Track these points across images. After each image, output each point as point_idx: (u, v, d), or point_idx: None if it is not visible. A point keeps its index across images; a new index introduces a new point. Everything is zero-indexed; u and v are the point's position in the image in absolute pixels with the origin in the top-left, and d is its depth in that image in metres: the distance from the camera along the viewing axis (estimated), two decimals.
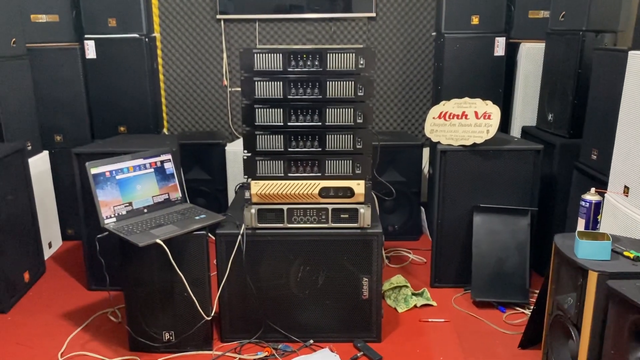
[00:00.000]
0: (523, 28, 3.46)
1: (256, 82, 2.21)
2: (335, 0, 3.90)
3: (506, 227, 2.79)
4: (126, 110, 3.53)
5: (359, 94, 2.22)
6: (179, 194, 2.50)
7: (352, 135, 2.25)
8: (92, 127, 3.55)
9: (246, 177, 2.28)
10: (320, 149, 2.27)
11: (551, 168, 2.94)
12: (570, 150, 2.85)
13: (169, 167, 2.48)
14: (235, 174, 3.64)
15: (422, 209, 3.67)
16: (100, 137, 3.51)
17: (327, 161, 2.27)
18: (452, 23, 3.39)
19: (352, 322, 2.42)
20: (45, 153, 3.39)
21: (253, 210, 2.29)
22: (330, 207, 2.29)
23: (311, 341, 2.42)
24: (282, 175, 2.28)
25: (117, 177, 2.30)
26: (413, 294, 2.80)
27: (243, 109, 2.25)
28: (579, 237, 1.90)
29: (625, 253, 1.88)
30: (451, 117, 2.82)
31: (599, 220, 2.21)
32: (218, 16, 3.96)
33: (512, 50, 3.44)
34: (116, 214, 2.28)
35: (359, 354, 2.35)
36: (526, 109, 3.41)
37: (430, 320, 2.63)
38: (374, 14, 3.95)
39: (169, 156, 2.48)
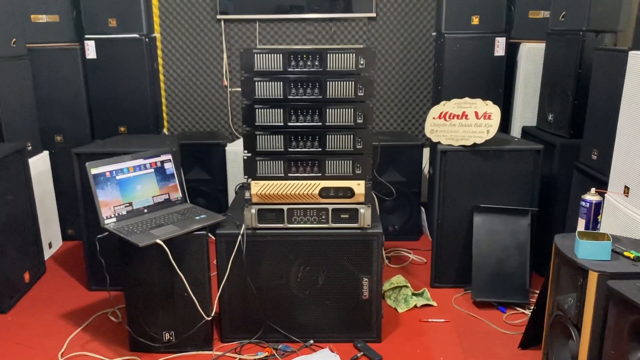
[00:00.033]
0: (523, 28, 3.46)
1: (256, 82, 2.21)
2: (335, 1, 3.90)
3: (506, 227, 2.79)
4: (126, 110, 3.53)
5: (359, 94, 2.22)
6: (179, 194, 2.50)
7: (352, 136, 2.25)
8: (93, 127, 3.56)
9: (246, 177, 2.28)
10: (320, 149, 2.27)
11: (551, 168, 2.94)
12: (570, 151, 2.85)
13: (169, 167, 2.48)
14: (235, 174, 3.64)
15: (422, 209, 3.67)
16: (101, 137, 3.51)
17: (327, 161, 2.27)
18: (452, 23, 3.39)
19: (352, 322, 2.42)
20: (46, 153, 3.39)
21: (253, 211, 2.29)
22: (330, 207, 2.29)
23: (311, 341, 2.42)
24: (282, 175, 2.28)
25: (118, 177, 2.30)
26: (413, 294, 2.80)
27: (243, 109, 2.25)
28: (579, 237, 1.90)
29: (626, 253, 1.88)
30: (451, 117, 2.82)
31: (599, 220, 2.21)
32: (218, 16, 3.96)
33: (512, 50, 3.44)
34: (116, 214, 2.28)
35: (359, 354, 2.35)
36: (526, 109, 3.41)
37: (430, 320, 2.63)
38: (374, 14, 3.95)
39: (169, 156, 2.48)
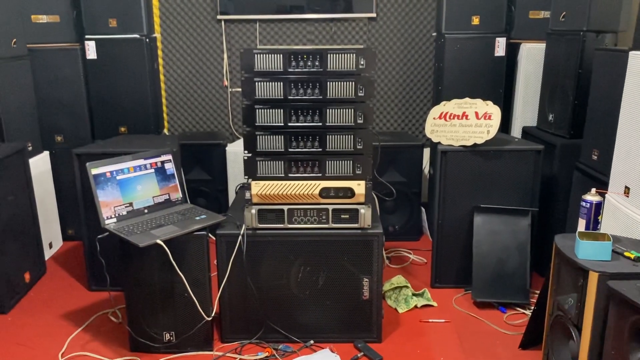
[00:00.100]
0: (523, 28, 3.46)
1: (257, 83, 2.21)
2: (335, 1, 3.90)
3: (507, 227, 2.79)
4: (127, 110, 3.53)
5: (360, 94, 2.22)
6: (179, 195, 2.50)
7: (352, 136, 2.25)
8: (93, 128, 3.56)
9: (247, 177, 2.28)
10: (320, 150, 2.27)
11: (552, 168, 2.93)
12: (570, 151, 2.85)
13: (170, 167, 2.48)
14: (235, 174, 3.64)
15: (423, 209, 3.67)
16: (101, 138, 3.51)
17: (327, 161, 2.27)
18: (453, 23, 3.39)
19: (353, 322, 2.42)
20: (46, 153, 3.39)
21: (253, 211, 2.29)
22: (330, 207, 2.29)
23: (311, 341, 2.42)
24: (283, 175, 2.28)
25: (118, 178, 2.30)
26: (413, 295, 2.80)
27: (243, 110, 2.25)
28: (579, 238, 1.90)
29: (626, 254, 1.88)
30: (452, 117, 2.82)
31: (599, 220, 2.21)
32: (218, 17, 3.96)
33: (512, 50, 3.44)
34: (117, 215, 2.28)
35: (359, 355, 2.35)
36: (527, 109, 3.41)
37: (430, 320, 2.63)
38: (374, 15, 3.95)
39: (170, 156, 2.49)
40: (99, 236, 2.24)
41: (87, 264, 2.90)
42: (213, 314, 2.36)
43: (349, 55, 2.18)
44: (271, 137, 2.25)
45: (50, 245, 3.41)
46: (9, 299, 2.76)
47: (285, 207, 2.29)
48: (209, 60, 4.09)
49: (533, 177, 2.79)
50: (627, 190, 2.16)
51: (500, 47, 3.40)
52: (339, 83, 2.21)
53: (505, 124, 3.54)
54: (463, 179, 2.81)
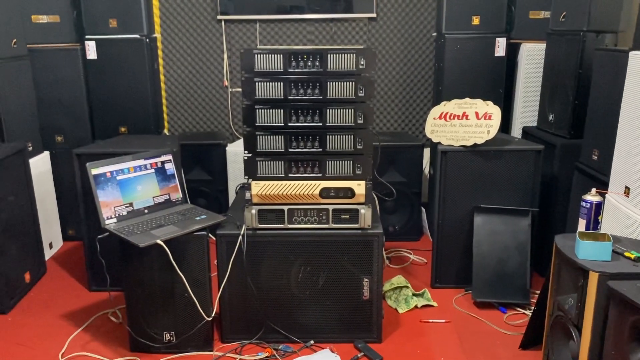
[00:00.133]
0: (524, 28, 3.46)
1: (257, 83, 2.21)
2: (335, 1, 3.90)
3: (507, 227, 2.79)
4: (127, 110, 3.53)
5: (360, 94, 2.22)
6: (179, 195, 2.50)
7: (352, 136, 2.25)
8: (93, 128, 3.56)
9: (247, 177, 2.28)
10: (320, 150, 2.27)
11: (552, 168, 2.93)
12: (571, 151, 2.85)
13: (170, 167, 2.48)
14: (235, 174, 3.64)
15: (423, 209, 3.67)
16: (101, 138, 3.51)
17: (327, 162, 2.27)
18: (453, 23, 3.39)
19: (353, 322, 2.42)
20: (46, 153, 3.39)
21: (254, 211, 2.29)
22: (330, 207, 2.29)
23: (312, 342, 2.42)
24: (283, 175, 2.28)
25: (118, 178, 2.30)
26: (414, 295, 2.80)
27: (244, 110, 2.25)
28: (579, 238, 1.90)
29: (626, 254, 1.88)
30: (452, 117, 2.82)
31: (599, 220, 2.21)
32: (219, 17, 3.96)
33: (512, 50, 3.44)
34: (117, 215, 2.28)
35: (359, 355, 2.35)
36: (527, 110, 3.41)
37: (430, 320, 2.63)
38: (374, 15, 3.95)
39: (170, 157, 2.49)
40: (99, 236, 2.24)
41: (87, 264, 2.90)
42: (213, 314, 2.36)
43: (349, 55, 2.18)
44: (271, 137, 2.25)
45: (51, 246, 3.41)
46: (9, 299, 2.76)
47: (286, 207, 2.29)
48: (209, 60, 4.09)
49: (533, 177, 2.79)
50: (627, 191, 2.16)
51: (500, 47, 3.40)
52: (339, 83, 2.21)
53: (506, 124, 3.54)
54: (463, 179, 2.81)
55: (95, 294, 2.92)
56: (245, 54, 2.19)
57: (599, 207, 2.19)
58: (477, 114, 2.77)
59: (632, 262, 1.84)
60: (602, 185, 2.38)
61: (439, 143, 2.83)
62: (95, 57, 3.45)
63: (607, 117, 2.47)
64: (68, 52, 3.41)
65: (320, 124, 2.25)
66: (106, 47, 3.44)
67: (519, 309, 2.72)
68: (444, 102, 2.88)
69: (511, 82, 3.51)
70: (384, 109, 4.16)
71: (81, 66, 3.44)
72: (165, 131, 4.15)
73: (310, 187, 2.27)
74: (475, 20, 3.38)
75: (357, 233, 2.31)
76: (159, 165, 2.45)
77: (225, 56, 4.07)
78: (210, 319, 2.34)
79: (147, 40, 3.45)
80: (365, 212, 2.29)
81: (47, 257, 3.30)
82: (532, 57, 3.34)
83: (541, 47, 3.24)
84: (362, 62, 2.19)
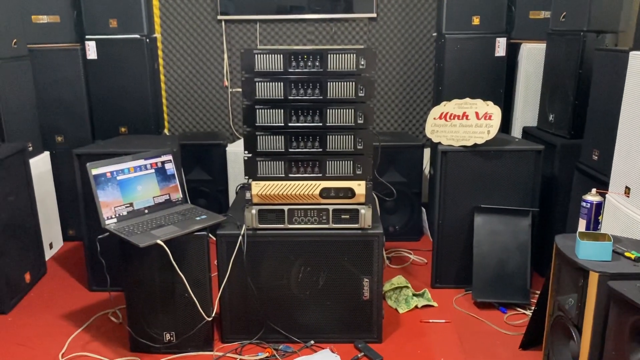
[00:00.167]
0: (524, 28, 3.46)
1: (257, 83, 2.21)
2: (336, 1, 3.90)
3: (507, 227, 2.79)
4: (127, 110, 3.53)
5: (360, 94, 2.22)
6: (179, 195, 2.50)
7: (352, 136, 2.25)
8: (93, 128, 3.56)
9: (247, 177, 2.28)
10: (321, 150, 2.27)
11: (552, 168, 2.93)
12: (571, 151, 2.84)
13: (170, 167, 2.48)
14: (236, 174, 3.64)
15: (423, 209, 3.67)
16: (101, 138, 3.51)
17: (327, 162, 2.27)
18: (453, 23, 3.39)
19: (353, 322, 2.42)
20: (46, 154, 3.39)
21: (254, 211, 2.29)
22: (331, 207, 2.29)
23: (312, 342, 2.42)
24: (283, 175, 2.28)
25: (118, 178, 2.30)
26: (414, 295, 2.80)
27: (244, 110, 2.25)
28: (580, 238, 1.90)
29: (627, 254, 1.88)
30: (452, 117, 2.82)
31: (600, 220, 2.21)
32: (219, 17, 3.96)
33: (513, 50, 3.44)
34: (117, 215, 2.28)
35: (359, 355, 2.35)
36: (527, 110, 3.41)
37: (431, 321, 2.63)
38: (374, 15, 3.95)
39: (170, 157, 2.49)
40: (99, 236, 2.24)
41: (88, 264, 2.90)
42: (213, 314, 2.36)
43: (349, 55, 2.18)
44: (271, 137, 2.25)
45: (51, 246, 3.41)
46: (9, 299, 2.76)
47: (286, 208, 2.29)
48: (209, 60, 4.09)
49: (533, 177, 2.79)
50: (627, 191, 2.16)
51: (500, 47, 3.40)
52: (339, 83, 2.21)
53: (506, 124, 3.54)
54: (463, 179, 2.81)
55: (96, 294, 2.92)
56: (245, 54, 2.19)
57: (599, 207, 2.19)
58: (477, 114, 2.77)
59: (632, 262, 1.84)
60: (603, 186, 2.38)
61: (439, 143, 2.83)
62: (96, 57, 3.45)
63: (608, 117, 2.47)
64: (68, 52, 3.41)
65: (321, 124, 2.25)
66: (106, 47, 3.44)
67: (519, 309, 2.72)
68: (444, 102, 2.88)
69: (511, 82, 3.51)
70: (384, 109, 4.16)
71: (81, 66, 3.44)
72: (166, 131, 4.15)
73: (311, 187, 2.27)
74: (476, 20, 3.38)
75: (358, 233, 2.31)
76: (159, 165, 2.45)
77: (226, 56, 4.07)
78: (210, 319, 2.34)
79: (147, 40, 3.45)
80: (366, 212, 2.29)
81: (47, 257, 3.30)
82: (532, 57, 3.34)
83: (541, 47, 3.24)
84: (362, 62, 2.19)
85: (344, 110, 2.23)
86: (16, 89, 3.07)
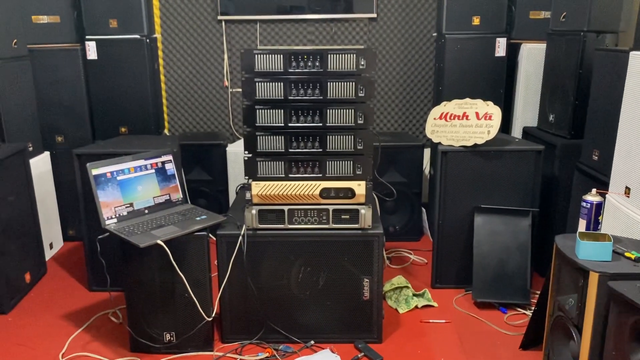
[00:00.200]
0: (524, 29, 3.46)
1: (257, 83, 2.21)
2: (336, 1, 3.90)
3: (507, 227, 2.79)
4: (127, 111, 3.53)
5: (360, 94, 2.22)
6: (179, 195, 2.50)
7: (353, 136, 2.25)
8: (93, 128, 3.56)
9: (247, 177, 2.28)
10: (321, 150, 2.27)
11: (552, 169, 2.93)
12: (571, 151, 2.84)
13: (170, 167, 2.48)
14: (236, 174, 3.64)
15: (423, 209, 3.67)
16: (102, 138, 3.51)
17: (327, 162, 2.27)
18: (453, 24, 3.39)
19: (353, 322, 2.42)
20: (47, 154, 3.39)
21: (254, 211, 2.29)
22: (331, 207, 2.29)
23: (312, 342, 2.42)
24: (283, 176, 2.28)
25: (118, 178, 2.30)
26: (414, 295, 2.80)
27: (244, 110, 2.25)
28: (580, 238, 1.90)
29: (627, 254, 1.88)
30: (452, 117, 2.82)
31: (600, 221, 2.21)
32: (219, 17, 3.96)
33: (513, 50, 3.44)
34: (117, 215, 2.28)
35: (359, 355, 2.35)
36: (527, 110, 3.41)
37: (431, 321, 2.63)
38: (374, 15, 3.95)
39: (170, 157, 2.49)
40: (99, 237, 2.24)
41: (88, 265, 2.90)
42: (213, 315, 2.36)
43: (349, 55, 2.18)
44: (271, 137, 2.25)
45: (51, 246, 3.41)
46: (9, 299, 2.76)
47: (286, 208, 2.29)
48: (209, 60, 4.09)
49: (533, 177, 2.79)
50: (627, 191, 2.16)
51: (500, 48, 3.40)
52: (340, 83, 2.21)
53: (506, 124, 3.54)
54: (463, 180, 2.81)
55: (96, 294, 2.92)
56: (245, 54, 2.19)
57: (599, 207, 2.19)
58: (477, 114, 2.77)
59: (632, 263, 1.84)
60: (603, 186, 2.38)
61: (440, 143, 2.83)
62: (96, 58, 3.45)
63: (608, 117, 2.47)
64: (68, 53, 3.41)
65: (321, 124, 2.25)
66: (106, 48, 3.44)
67: (519, 309, 2.72)
68: (444, 103, 2.88)
69: (511, 83, 3.51)
70: (384, 109, 4.16)
71: (81, 66, 3.44)
72: (166, 131, 4.15)
73: (311, 188, 2.27)
74: (476, 21, 3.38)
75: (358, 233, 2.31)
76: (160, 165, 2.45)
77: (226, 56, 4.07)
78: (210, 319, 2.34)
79: (148, 40, 3.45)
80: (366, 213, 2.29)
81: (47, 258, 3.30)
82: (532, 57, 3.34)
83: (541, 47, 3.24)
84: (362, 63, 2.19)
85: (344, 110, 2.23)
86: (16, 89, 3.07)
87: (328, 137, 2.25)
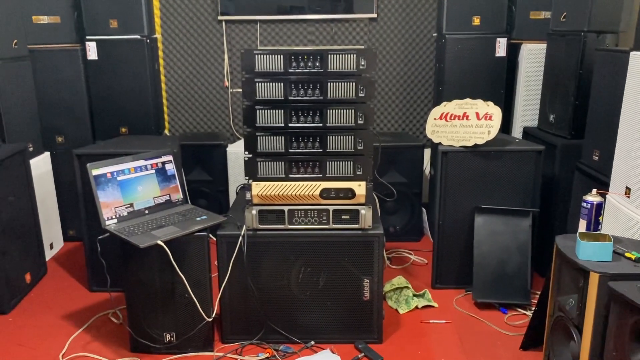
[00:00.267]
0: (524, 29, 3.46)
1: (257, 83, 2.21)
2: (336, 1, 3.90)
3: (507, 228, 2.79)
4: (127, 111, 3.53)
5: (360, 95, 2.21)
6: (180, 195, 2.50)
7: (353, 136, 2.25)
8: (94, 128, 3.56)
9: (247, 178, 2.28)
10: (321, 150, 2.27)
11: (552, 169, 2.93)
12: (571, 151, 2.84)
13: (170, 168, 2.48)
14: (236, 175, 3.64)
15: (424, 210, 3.66)
16: (102, 138, 3.51)
17: (328, 162, 2.27)
18: (454, 24, 3.39)
19: (353, 323, 2.42)
20: (47, 154, 3.39)
21: (254, 212, 2.29)
22: (331, 208, 2.29)
23: (312, 342, 2.42)
24: (283, 176, 2.28)
25: (119, 179, 2.30)
26: (414, 295, 2.80)
27: (244, 110, 2.25)
28: (580, 238, 1.90)
29: (627, 254, 1.88)
30: (452, 118, 2.82)
31: (600, 221, 2.20)
32: (219, 17, 3.96)
33: (513, 51, 3.44)
34: (117, 215, 2.28)
35: (360, 355, 2.35)
36: (527, 110, 3.41)
37: (431, 321, 2.63)
38: (375, 15, 3.95)
39: (170, 157, 2.49)
40: (99, 237, 2.25)
41: (88, 265, 2.90)
42: (214, 315, 2.36)
43: (349, 55, 2.18)
44: (272, 137, 2.25)
45: (51, 246, 3.41)
46: (9, 299, 2.76)
47: (286, 208, 2.29)
48: (209, 60, 4.09)
49: (534, 177, 2.79)
50: (628, 191, 2.16)
51: (501, 48, 3.40)
52: (340, 84, 2.21)
53: (506, 125, 3.54)
54: (464, 180, 2.81)
55: (96, 294, 2.92)
56: (245, 55, 2.19)
57: (599, 207, 2.19)
58: (477, 114, 2.77)
59: (632, 263, 1.84)
60: (603, 186, 2.38)
61: (440, 143, 2.83)
62: (96, 58, 3.45)
63: (608, 117, 2.47)
64: (68, 53, 3.41)
65: (321, 125, 2.25)
66: (107, 48, 3.44)
67: (519, 309, 2.72)
68: (444, 103, 2.88)
69: (512, 83, 3.51)
70: (385, 109, 4.15)
71: (82, 67, 3.44)
72: (166, 132, 4.15)
73: (311, 188, 2.27)
74: (476, 21, 3.38)
75: (358, 234, 2.31)
76: (160, 165, 2.45)
77: (226, 57, 4.07)
78: (210, 319, 2.34)
79: (148, 40, 3.45)
80: (366, 213, 2.29)
81: (47, 258, 3.30)
82: (532, 57, 3.34)
83: (542, 47, 3.24)
84: (362, 63, 2.19)
85: (344, 110, 2.23)
86: (16, 89, 3.07)
87: (328, 137, 2.25)
